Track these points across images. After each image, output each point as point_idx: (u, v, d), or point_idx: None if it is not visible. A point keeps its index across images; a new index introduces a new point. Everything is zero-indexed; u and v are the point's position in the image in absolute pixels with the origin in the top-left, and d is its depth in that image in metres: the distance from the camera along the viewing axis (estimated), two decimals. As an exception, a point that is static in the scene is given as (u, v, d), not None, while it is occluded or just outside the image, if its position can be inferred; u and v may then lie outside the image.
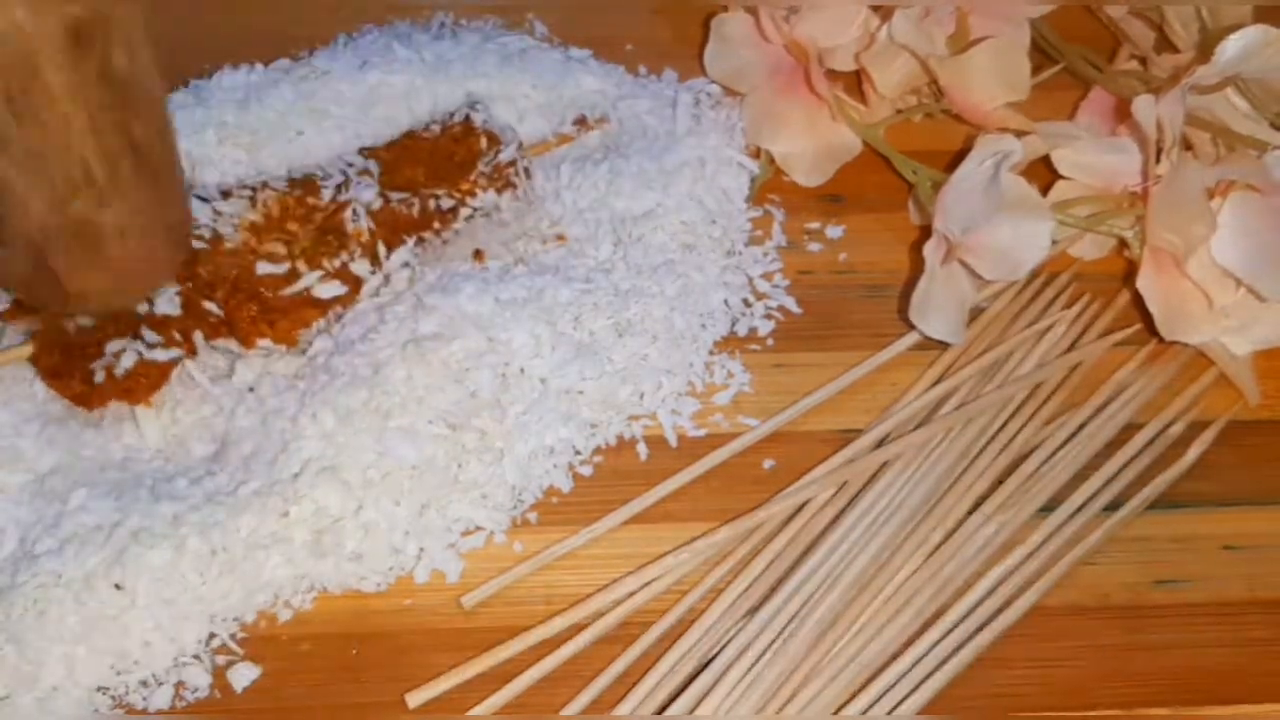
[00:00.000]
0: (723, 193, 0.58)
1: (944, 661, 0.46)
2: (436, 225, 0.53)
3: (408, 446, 0.48)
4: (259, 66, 0.60)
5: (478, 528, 0.49)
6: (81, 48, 0.38)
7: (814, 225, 0.59)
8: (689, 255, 0.56)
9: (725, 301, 0.56)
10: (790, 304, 0.56)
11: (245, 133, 0.56)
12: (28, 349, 0.48)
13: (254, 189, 0.51)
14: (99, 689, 0.45)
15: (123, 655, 0.45)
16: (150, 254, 0.45)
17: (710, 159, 0.58)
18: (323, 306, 0.51)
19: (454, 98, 0.58)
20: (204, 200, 0.50)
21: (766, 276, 0.57)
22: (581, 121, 0.57)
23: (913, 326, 0.54)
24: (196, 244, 0.49)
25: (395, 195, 0.52)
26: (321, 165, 0.53)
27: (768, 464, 0.51)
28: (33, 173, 0.40)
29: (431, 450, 0.48)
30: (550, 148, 0.57)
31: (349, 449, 0.48)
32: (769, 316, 0.56)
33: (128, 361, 0.48)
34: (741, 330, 0.55)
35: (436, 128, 0.55)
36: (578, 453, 0.51)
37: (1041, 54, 0.61)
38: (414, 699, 0.45)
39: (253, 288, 0.50)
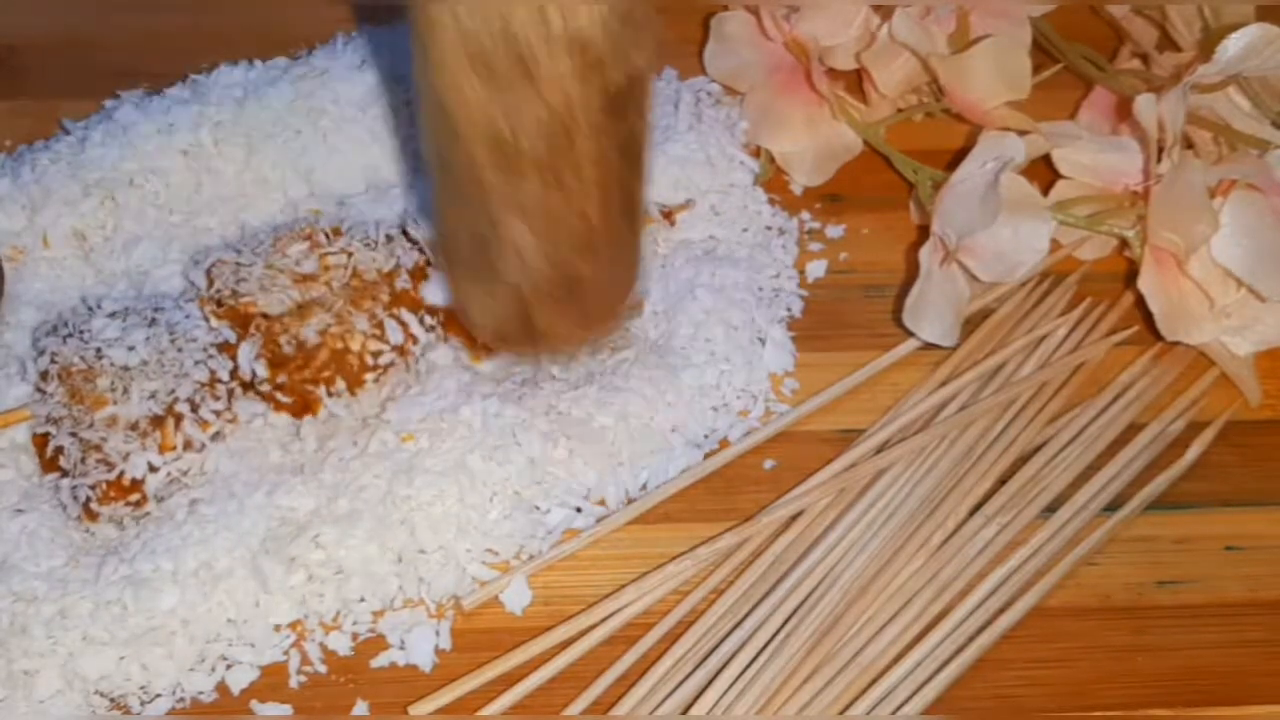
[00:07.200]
0: (723, 192, 0.58)
1: (946, 663, 0.46)
2: None
3: (424, 491, 0.47)
4: (258, 63, 0.59)
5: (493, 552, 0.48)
6: (615, 115, 0.37)
7: (814, 225, 0.59)
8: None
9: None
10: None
11: (242, 131, 0.56)
12: (26, 414, 0.47)
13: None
14: (96, 692, 0.44)
15: (115, 674, 0.44)
16: (616, 300, 0.44)
17: (710, 158, 0.58)
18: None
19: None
20: None
21: (767, 276, 0.57)
22: (668, 214, 0.55)
23: (906, 330, 0.53)
24: None
25: None
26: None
27: (768, 464, 0.51)
28: (543, 234, 0.39)
29: (455, 497, 0.47)
30: None
31: (356, 490, 0.47)
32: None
33: None
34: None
35: None
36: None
37: (1042, 52, 0.61)
38: (417, 710, 0.44)
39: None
